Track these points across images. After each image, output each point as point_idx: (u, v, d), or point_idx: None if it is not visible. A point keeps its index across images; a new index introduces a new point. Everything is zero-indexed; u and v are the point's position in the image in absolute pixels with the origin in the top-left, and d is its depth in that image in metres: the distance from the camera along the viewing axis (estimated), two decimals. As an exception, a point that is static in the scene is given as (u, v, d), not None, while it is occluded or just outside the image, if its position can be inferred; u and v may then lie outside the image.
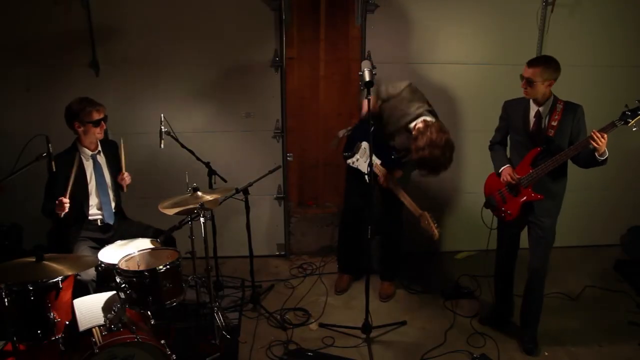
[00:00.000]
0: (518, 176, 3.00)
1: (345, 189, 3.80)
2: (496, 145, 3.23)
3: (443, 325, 3.42)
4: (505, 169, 3.07)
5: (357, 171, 3.51)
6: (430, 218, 3.13)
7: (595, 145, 2.68)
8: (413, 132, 3.11)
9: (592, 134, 2.70)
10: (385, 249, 3.80)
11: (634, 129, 2.68)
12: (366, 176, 3.03)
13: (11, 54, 3.75)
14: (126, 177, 3.28)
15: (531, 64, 2.88)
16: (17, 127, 3.76)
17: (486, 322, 3.44)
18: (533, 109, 2.97)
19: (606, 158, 2.78)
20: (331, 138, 3.76)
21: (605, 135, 2.67)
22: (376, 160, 3.39)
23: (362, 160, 3.47)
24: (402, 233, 3.78)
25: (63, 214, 2.95)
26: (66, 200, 2.93)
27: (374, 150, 3.08)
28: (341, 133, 3.65)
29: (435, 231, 3.10)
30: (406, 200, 3.27)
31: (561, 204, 3.04)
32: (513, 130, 3.10)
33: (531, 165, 2.96)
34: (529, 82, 2.86)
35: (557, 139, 2.89)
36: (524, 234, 3.17)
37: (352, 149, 3.52)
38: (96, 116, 3.08)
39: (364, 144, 3.45)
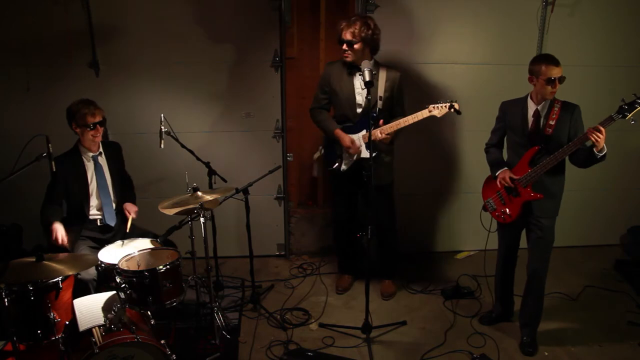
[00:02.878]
0: (516, 177, 2.99)
1: (334, 192, 3.84)
2: (492, 148, 3.21)
3: (443, 325, 3.42)
4: (502, 173, 3.06)
5: (342, 173, 3.53)
6: (438, 104, 3.18)
7: (594, 139, 2.67)
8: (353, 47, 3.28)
9: (589, 129, 2.69)
10: (382, 247, 3.81)
11: (632, 122, 2.67)
12: (364, 173, 3.04)
13: (11, 53, 3.75)
14: (133, 213, 3.29)
15: (559, 62, 2.83)
16: (17, 127, 3.77)
17: (486, 322, 3.44)
18: (531, 108, 2.96)
19: (605, 154, 2.77)
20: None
21: (604, 130, 2.67)
22: (362, 133, 3.40)
23: (350, 157, 3.49)
24: (396, 229, 3.78)
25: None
26: (64, 236, 2.96)
27: (355, 129, 3.35)
28: (316, 155, 3.72)
29: (454, 103, 3.16)
30: (409, 119, 3.26)
31: (560, 203, 3.04)
32: (511, 130, 3.08)
33: (529, 164, 2.95)
34: (561, 81, 2.84)
35: (555, 138, 2.89)
36: (524, 234, 3.17)
37: (335, 159, 3.54)
38: (90, 120, 3.06)
39: (355, 137, 3.44)
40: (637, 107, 2.64)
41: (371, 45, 3.32)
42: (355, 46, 3.27)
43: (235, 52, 3.91)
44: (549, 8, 3.93)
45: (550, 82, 2.83)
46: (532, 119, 2.95)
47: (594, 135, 2.67)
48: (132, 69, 3.86)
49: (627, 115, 2.67)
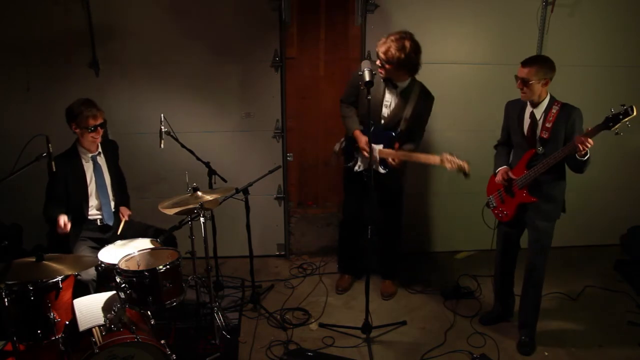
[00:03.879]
0: (514, 177, 2.99)
1: (345, 191, 3.82)
2: (500, 147, 3.22)
3: (443, 325, 3.42)
4: (501, 170, 3.07)
5: (355, 173, 3.51)
6: (452, 155, 3.08)
7: (581, 148, 2.65)
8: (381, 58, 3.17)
9: (576, 138, 2.67)
10: (385, 247, 3.81)
11: (620, 133, 2.65)
12: (364, 173, 3.04)
13: (11, 53, 3.75)
14: (126, 216, 3.32)
15: (526, 63, 2.83)
16: (17, 127, 3.76)
17: (486, 322, 3.44)
18: (528, 110, 2.95)
19: (588, 157, 2.73)
20: (331, 138, 3.76)
21: (590, 140, 2.63)
22: (378, 146, 3.35)
23: (365, 160, 3.47)
24: (401, 230, 3.78)
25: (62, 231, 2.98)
26: (66, 222, 2.97)
27: (372, 139, 3.13)
28: (336, 147, 3.67)
29: (464, 164, 3.04)
30: (421, 157, 3.23)
31: (560, 207, 3.02)
32: (512, 131, 3.08)
33: (526, 167, 2.94)
34: (524, 82, 2.81)
35: (551, 141, 2.86)
36: (525, 235, 3.17)
37: (353, 157, 3.53)
38: (92, 122, 3.06)
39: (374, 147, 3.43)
40: (621, 120, 2.60)
41: (405, 68, 3.20)
42: (387, 66, 3.19)
43: (235, 52, 3.91)
44: (549, 8, 3.93)
45: (516, 80, 2.85)
46: (529, 120, 2.94)
47: (581, 145, 2.64)
48: (132, 69, 3.85)
49: (612, 127, 2.63)
